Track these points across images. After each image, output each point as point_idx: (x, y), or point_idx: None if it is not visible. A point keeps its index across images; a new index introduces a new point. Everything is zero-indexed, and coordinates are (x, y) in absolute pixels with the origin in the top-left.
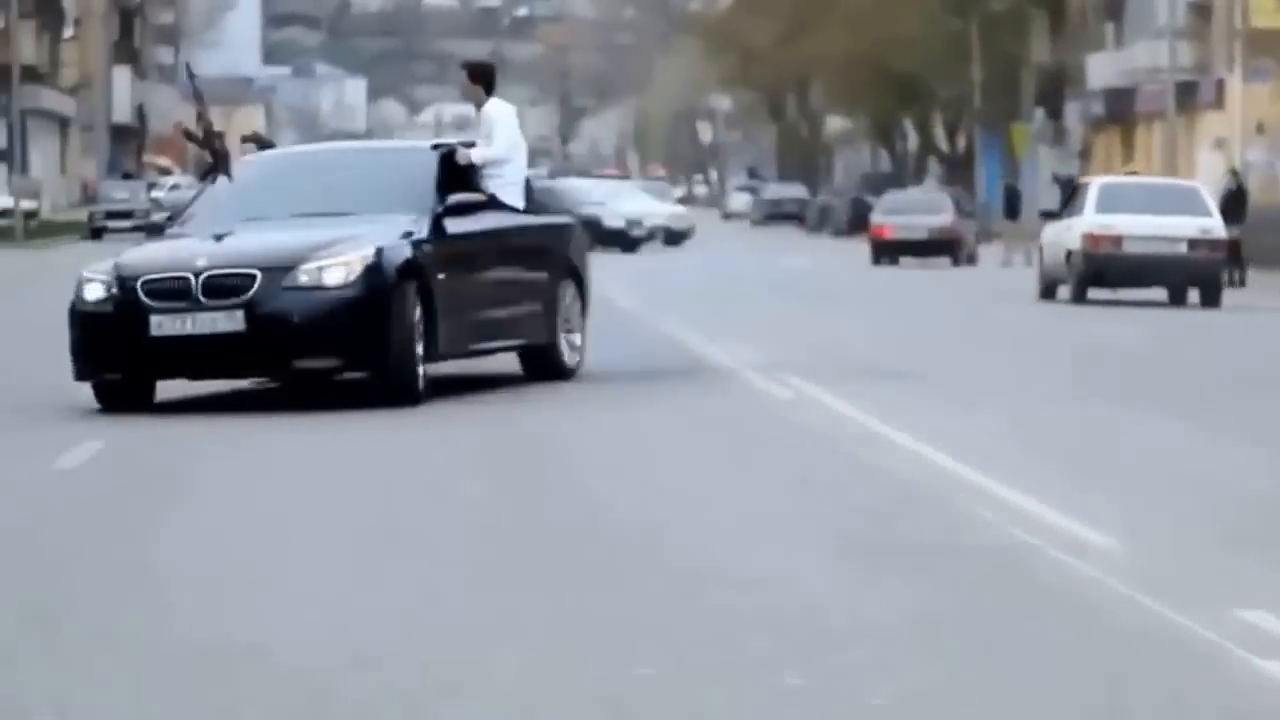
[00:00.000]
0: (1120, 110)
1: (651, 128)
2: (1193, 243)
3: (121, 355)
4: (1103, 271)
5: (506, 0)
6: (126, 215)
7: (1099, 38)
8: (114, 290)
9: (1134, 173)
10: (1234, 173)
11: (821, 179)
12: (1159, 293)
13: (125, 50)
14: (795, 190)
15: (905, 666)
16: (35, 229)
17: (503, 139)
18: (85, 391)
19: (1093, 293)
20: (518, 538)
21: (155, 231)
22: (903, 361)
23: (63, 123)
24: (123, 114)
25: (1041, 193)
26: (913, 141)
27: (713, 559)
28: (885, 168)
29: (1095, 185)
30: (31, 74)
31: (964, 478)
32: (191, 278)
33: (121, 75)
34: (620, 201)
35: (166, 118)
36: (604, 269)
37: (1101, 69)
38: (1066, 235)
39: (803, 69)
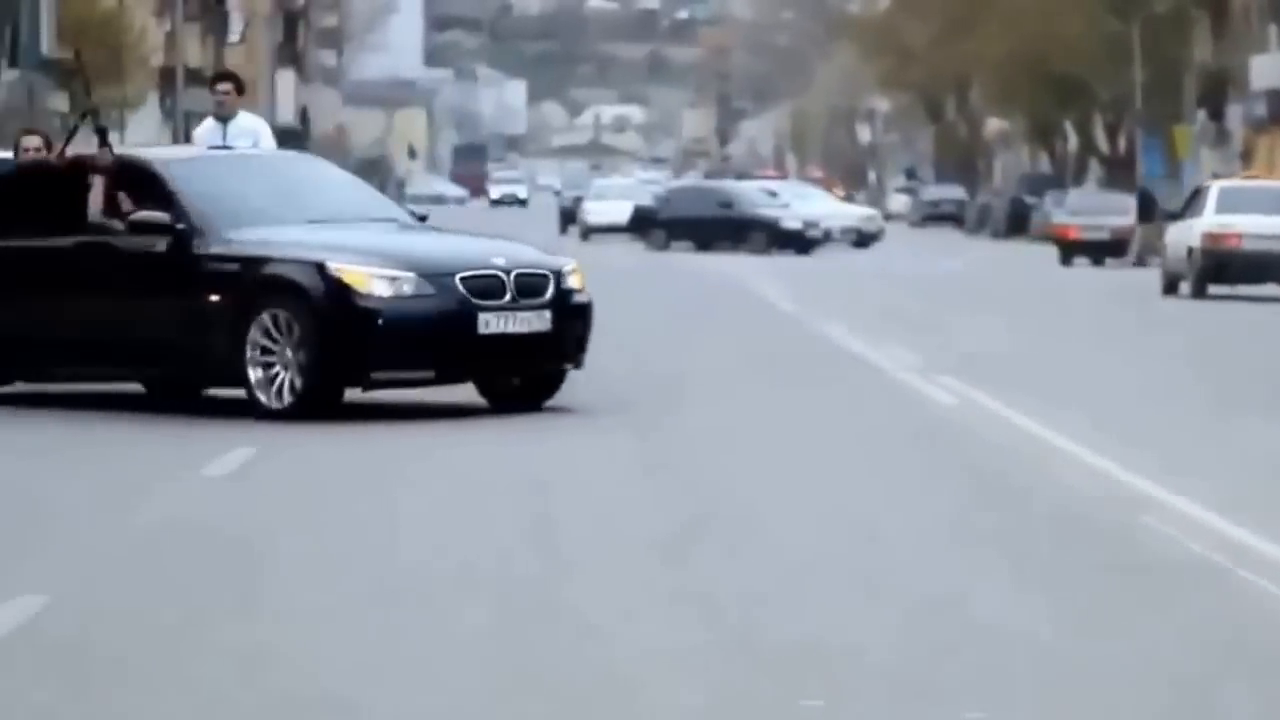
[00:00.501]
0: None
1: (809, 129)
2: None
3: (443, 353)
4: (1222, 268)
5: (666, 3)
6: None
7: (1262, 39)
8: (423, 285)
9: (1253, 176)
10: None
11: (980, 180)
12: (1274, 288)
13: (289, 53)
14: (953, 191)
15: (1102, 702)
16: None
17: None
18: (237, 393)
19: (1211, 289)
20: (678, 554)
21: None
22: (1062, 365)
23: None
24: (286, 116)
25: None
26: (1073, 143)
27: (881, 577)
28: (1044, 169)
29: (1215, 188)
30: (196, 77)
31: (1135, 487)
32: (505, 276)
33: (285, 78)
34: (805, 204)
35: (330, 120)
36: (773, 270)
37: (1265, 70)
38: (1188, 234)
39: (961, 70)
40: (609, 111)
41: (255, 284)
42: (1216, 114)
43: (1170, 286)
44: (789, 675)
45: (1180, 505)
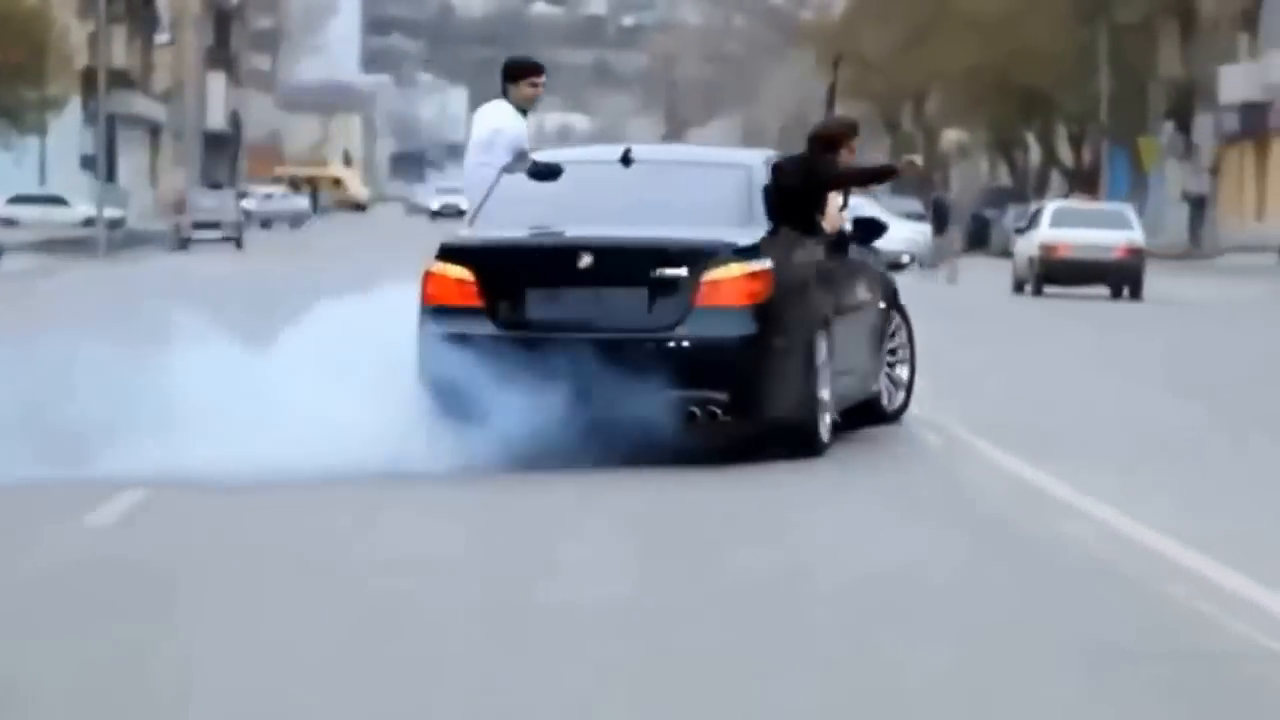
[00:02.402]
0: (1254, 125)
1: (760, 139)
2: (1122, 250)
3: None
4: (1055, 273)
5: (613, 8)
6: (214, 225)
7: (1232, 49)
8: None
9: (1084, 198)
10: None
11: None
12: (1096, 288)
13: (220, 56)
14: (908, 205)
15: None
16: (120, 240)
17: None
18: None
19: (1046, 288)
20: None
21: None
22: (1038, 393)
23: (153, 130)
24: (216, 121)
25: (1169, 210)
26: (1035, 155)
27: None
28: (1003, 181)
29: (1049, 208)
30: (121, 79)
31: (1154, 549)
32: None
33: (216, 81)
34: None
35: (262, 125)
36: None
37: (1235, 81)
38: (1029, 246)
39: (921, 80)
40: (553, 119)
41: None
42: (1184, 126)
43: (1018, 286)
44: None
45: (1203, 567)
